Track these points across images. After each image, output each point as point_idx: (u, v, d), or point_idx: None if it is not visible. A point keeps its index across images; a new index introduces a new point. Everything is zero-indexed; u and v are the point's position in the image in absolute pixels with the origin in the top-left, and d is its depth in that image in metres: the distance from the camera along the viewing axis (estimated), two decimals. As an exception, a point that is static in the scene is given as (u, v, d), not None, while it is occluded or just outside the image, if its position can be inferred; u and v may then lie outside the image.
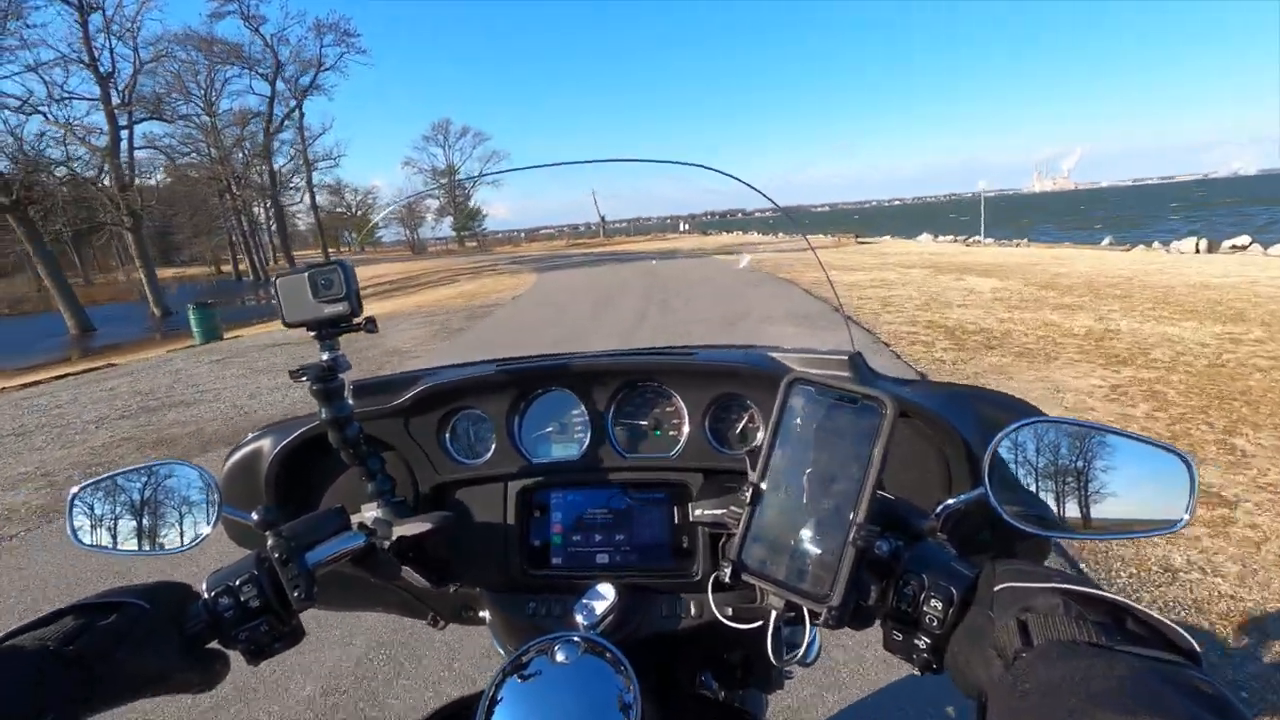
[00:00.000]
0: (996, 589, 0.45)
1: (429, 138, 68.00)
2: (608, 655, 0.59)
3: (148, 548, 0.73)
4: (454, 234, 72.36)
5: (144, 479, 0.74)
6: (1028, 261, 14.01)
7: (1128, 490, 0.57)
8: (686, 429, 0.87)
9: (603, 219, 66.57)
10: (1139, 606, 0.40)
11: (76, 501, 0.73)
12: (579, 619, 0.70)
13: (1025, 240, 21.31)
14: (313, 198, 49.64)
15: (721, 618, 0.71)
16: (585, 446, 0.89)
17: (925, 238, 27.50)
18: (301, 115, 47.25)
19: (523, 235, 76.75)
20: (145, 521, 0.73)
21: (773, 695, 1.02)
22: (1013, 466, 0.60)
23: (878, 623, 0.55)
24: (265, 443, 0.92)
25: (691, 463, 0.86)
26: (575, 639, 0.61)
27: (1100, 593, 0.41)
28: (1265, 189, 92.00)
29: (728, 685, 0.88)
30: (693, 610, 0.81)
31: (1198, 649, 0.37)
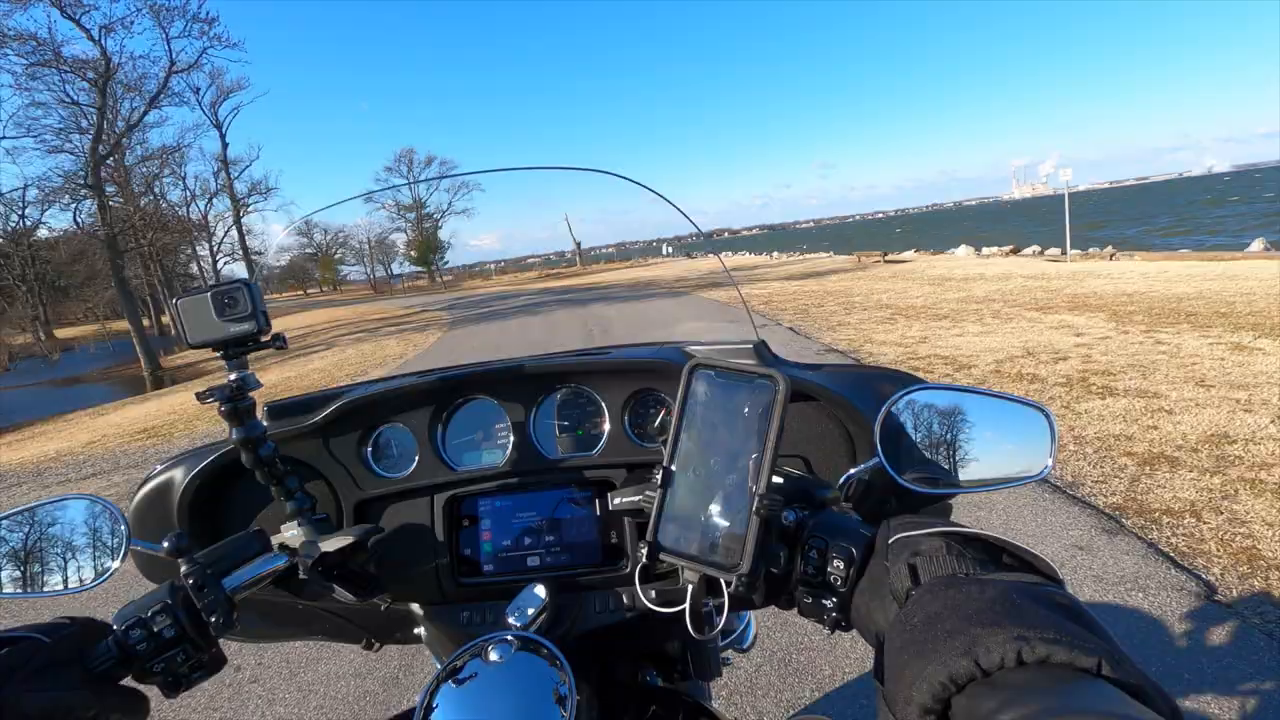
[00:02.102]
0: (890, 540, 0.49)
1: (391, 169, 62.16)
2: (542, 650, 0.60)
3: (51, 588, 0.70)
4: (419, 270, 66.70)
5: (46, 516, 0.71)
6: (1234, 288, 8.26)
7: (1000, 444, 0.62)
8: (607, 426, 0.89)
9: (578, 246, 60.71)
10: (1010, 540, 0.44)
11: None
12: (512, 620, 0.71)
13: (1110, 250, 15.80)
14: (241, 236, 43.77)
15: (649, 604, 0.68)
16: (510, 452, 0.89)
17: (964, 251, 22.04)
18: (225, 144, 42.09)
19: (492, 268, 70.65)
20: (49, 560, 0.70)
21: (715, 683, 1.00)
22: (909, 434, 0.64)
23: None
24: (176, 472, 0.89)
25: (614, 458, 0.87)
26: (508, 637, 0.61)
27: (977, 531, 0.46)
28: (1239, 186, 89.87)
29: (669, 677, 0.89)
30: (625, 602, 0.82)
31: (1058, 571, 0.42)
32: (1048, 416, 0.62)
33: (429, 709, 0.55)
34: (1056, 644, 0.31)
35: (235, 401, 0.69)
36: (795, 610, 0.57)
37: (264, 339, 0.69)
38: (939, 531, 0.47)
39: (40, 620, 0.55)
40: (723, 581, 0.55)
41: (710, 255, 46.49)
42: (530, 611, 0.71)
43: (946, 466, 0.63)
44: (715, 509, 0.57)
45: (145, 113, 22.20)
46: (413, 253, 63.40)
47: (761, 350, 0.84)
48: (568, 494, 0.87)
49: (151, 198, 38.34)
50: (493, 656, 0.59)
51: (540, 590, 0.74)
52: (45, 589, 0.69)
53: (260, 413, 0.77)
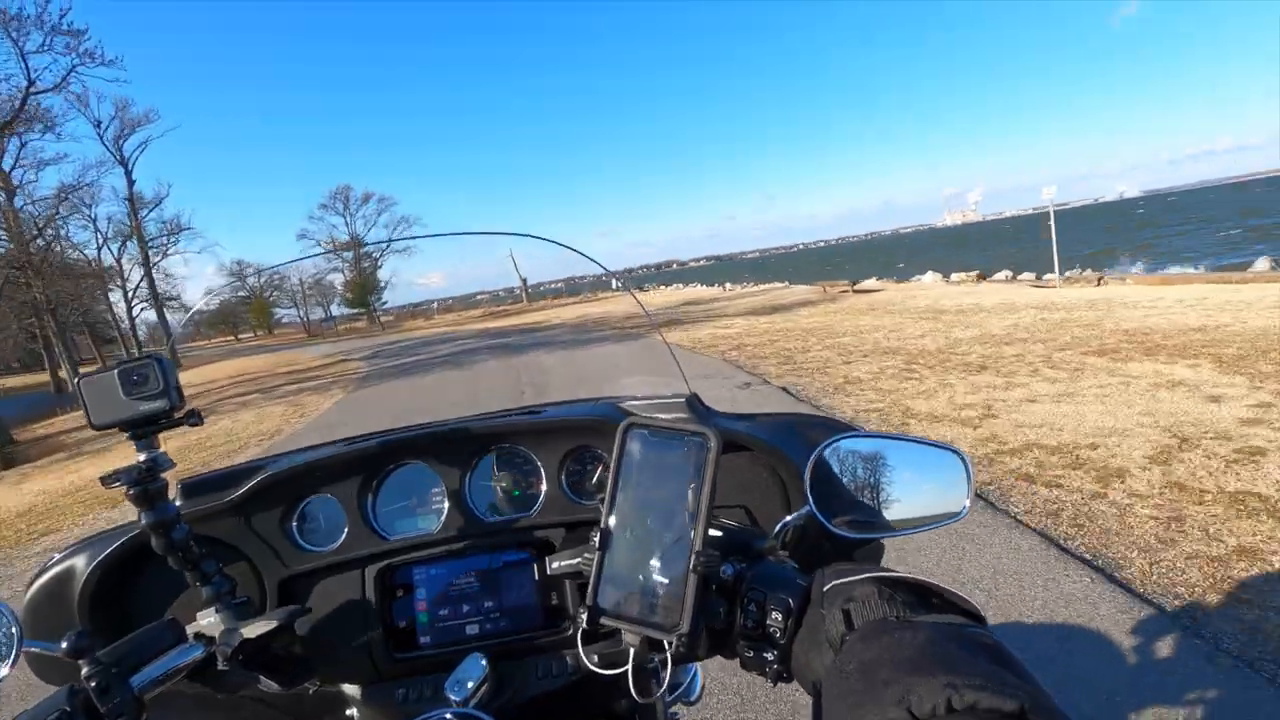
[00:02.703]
0: (825, 588, 0.49)
1: (326, 206, 58.22)
2: None
3: None
4: (355, 311, 62.75)
5: None
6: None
7: (921, 486, 0.65)
8: (544, 486, 0.87)
9: (524, 282, 58.14)
10: (935, 582, 0.45)
11: None
12: (451, 696, 0.69)
13: (1101, 274, 14.37)
14: (151, 282, 39.51)
15: (593, 667, 0.69)
16: (444, 517, 0.87)
17: (932, 277, 20.61)
18: (132, 181, 38.29)
19: (435, 307, 67.19)
20: None
21: None
22: (839, 481, 0.65)
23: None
24: (77, 561, 0.84)
25: (552, 518, 0.86)
26: (447, 716, 0.60)
27: (906, 575, 0.47)
28: (1155, 210, 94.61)
29: None
30: (568, 667, 0.80)
31: (980, 611, 0.43)
32: (962, 458, 0.65)
33: None
34: (983, 690, 0.32)
35: (145, 484, 0.65)
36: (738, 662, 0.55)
37: (178, 415, 0.66)
38: (870, 577, 0.47)
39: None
40: (667, 645, 0.54)
41: (664, 286, 44.84)
42: (470, 684, 0.69)
43: (874, 510, 0.64)
44: (653, 567, 0.56)
45: None
46: (349, 294, 59.74)
47: (694, 404, 0.84)
48: (506, 557, 0.85)
49: (43, 242, 34.23)
50: None
51: (479, 661, 0.72)
52: None
53: (173, 492, 0.73)
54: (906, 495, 0.64)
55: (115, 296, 40.19)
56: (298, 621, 0.73)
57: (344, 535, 0.86)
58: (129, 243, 39.36)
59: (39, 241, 33.96)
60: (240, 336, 79.25)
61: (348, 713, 0.85)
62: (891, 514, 0.64)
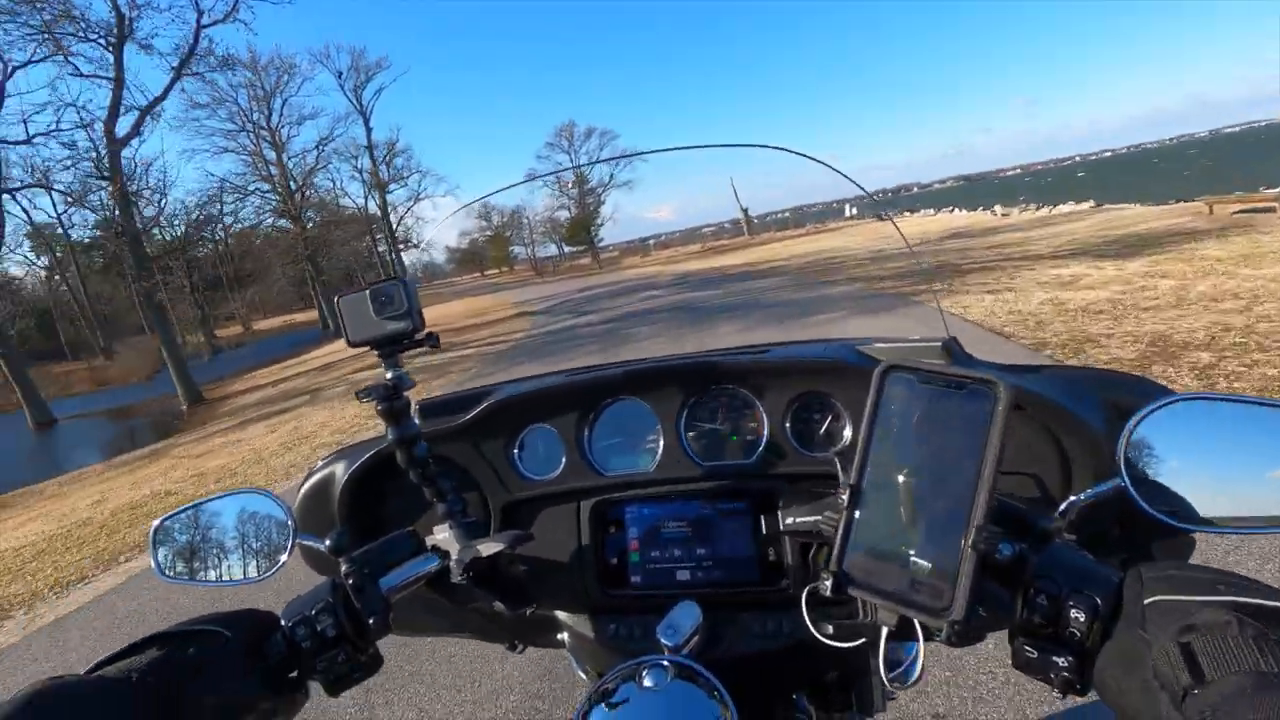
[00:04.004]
0: (1147, 602, 0.39)
1: (553, 144, 58.76)
2: (699, 679, 0.56)
3: (227, 578, 0.74)
4: (578, 249, 63.46)
5: (222, 509, 0.76)
6: None
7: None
8: (766, 433, 0.82)
9: (745, 213, 52.83)
10: None
11: (159, 534, 0.75)
12: (663, 641, 0.66)
13: None
14: (387, 221, 42.41)
15: (821, 636, 0.63)
16: (659, 457, 0.85)
17: None
18: (369, 129, 40.81)
19: (651, 244, 65.30)
20: (224, 551, 0.74)
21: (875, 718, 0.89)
22: (1148, 453, 0.52)
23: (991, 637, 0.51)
24: (337, 468, 0.91)
25: (774, 469, 0.81)
26: (664, 663, 0.58)
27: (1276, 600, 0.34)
28: None
29: (823, 707, 0.79)
30: (785, 628, 0.75)
31: None
32: None
33: None
34: None
35: (391, 400, 0.68)
36: (1010, 661, 0.48)
37: (419, 336, 0.69)
38: (1223, 602, 0.35)
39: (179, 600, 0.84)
40: (919, 624, 0.49)
41: (910, 213, 35.88)
42: (684, 633, 0.66)
43: (1199, 496, 0.51)
44: (915, 539, 0.49)
45: (174, 80, 18.33)
46: (567, 232, 60.25)
47: (953, 348, 0.74)
48: (721, 505, 0.81)
49: (303, 194, 38.03)
50: (647, 682, 0.56)
51: (694, 609, 0.69)
52: (233, 578, 0.74)
53: (413, 412, 0.74)
54: (1262, 481, 0.48)
55: (375, 240, 44.19)
56: (520, 549, 0.74)
57: (561, 466, 0.87)
58: (388, 189, 42.46)
59: (301, 194, 37.89)
60: (485, 273, 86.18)
61: (558, 635, 0.86)
62: (1232, 503, 0.49)
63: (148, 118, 15.36)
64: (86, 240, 35.46)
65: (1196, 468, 0.51)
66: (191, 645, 0.53)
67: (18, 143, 16.95)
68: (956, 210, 33.50)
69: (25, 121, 16.99)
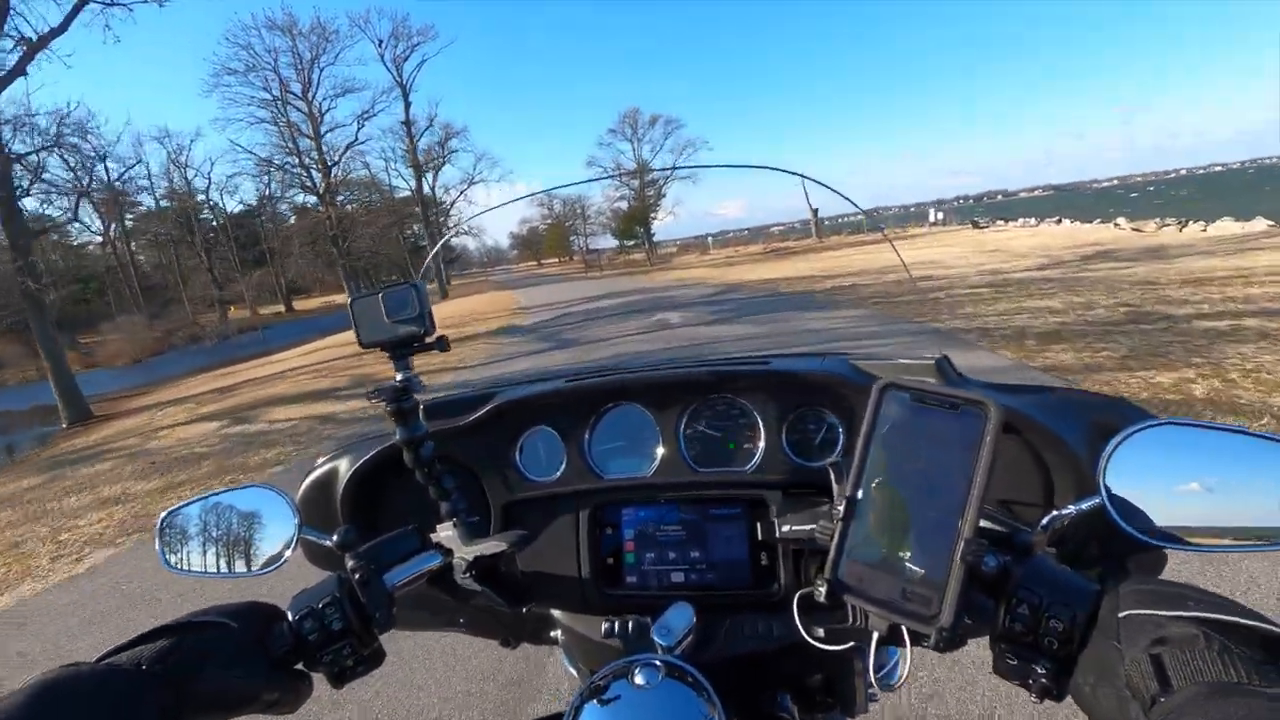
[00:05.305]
0: (1122, 615, 0.41)
1: (615, 131, 55.04)
2: (689, 679, 0.58)
3: (230, 570, 0.74)
4: (630, 243, 59.57)
5: (227, 502, 0.76)
6: None
7: (1260, 496, 0.52)
8: (763, 442, 0.85)
9: (814, 214, 47.36)
10: None
11: (165, 526, 0.76)
12: (657, 640, 0.68)
13: None
14: (423, 206, 39.64)
15: (811, 639, 0.67)
16: (657, 462, 0.87)
17: None
18: (408, 103, 37.95)
19: (710, 241, 60.57)
20: (229, 544, 0.75)
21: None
22: (1126, 474, 0.56)
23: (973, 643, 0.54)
24: (341, 463, 0.92)
25: (769, 476, 0.83)
26: (655, 662, 0.59)
27: (1248, 621, 0.36)
28: None
29: (806, 708, 0.81)
30: (775, 631, 0.78)
31: None
32: None
33: None
34: None
35: (400, 402, 0.70)
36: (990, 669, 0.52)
37: (428, 340, 0.70)
38: (1192, 617, 0.37)
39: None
40: (906, 631, 0.52)
41: (1004, 222, 29.85)
42: (677, 633, 0.68)
43: (1173, 514, 0.54)
44: (907, 550, 0.52)
45: (76, 10, 14.55)
46: (618, 225, 56.49)
47: (945, 366, 0.78)
48: (717, 510, 0.83)
49: (341, 173, 35.69)
50: (639, 680, 0.57)
51: (688, 610, 0.71)
52: (237, 570, 0.74)
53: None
54: (1233, 501, 0.52)
55: (430, 225, 41.57)
56: (520, 549, 0.76)
57: (562, 468, 0.88)
58: (440, 171, 39.76)
59: (334, 171, 35.46)
60: (544, 262, 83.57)
61: (552, 632, 0.87)
62: (1205, 521, 0.53)
63: (38, 55, 12.41)
64: None
65: (1171, 488, 0.53)
66: (198, 636, 0.54)
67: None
68: (1065, 221, 27.73)
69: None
